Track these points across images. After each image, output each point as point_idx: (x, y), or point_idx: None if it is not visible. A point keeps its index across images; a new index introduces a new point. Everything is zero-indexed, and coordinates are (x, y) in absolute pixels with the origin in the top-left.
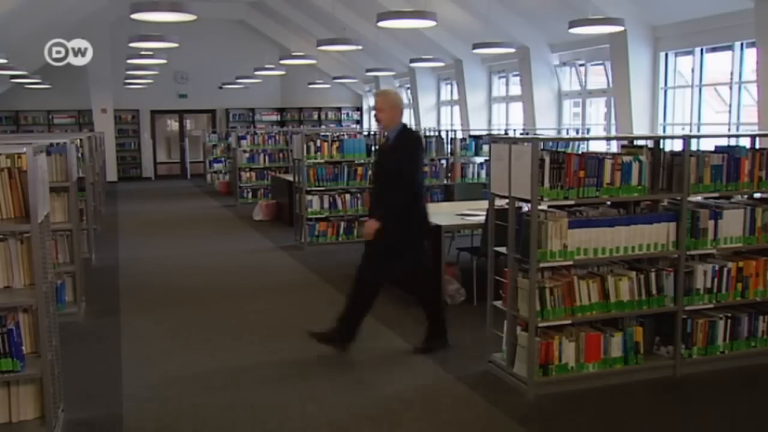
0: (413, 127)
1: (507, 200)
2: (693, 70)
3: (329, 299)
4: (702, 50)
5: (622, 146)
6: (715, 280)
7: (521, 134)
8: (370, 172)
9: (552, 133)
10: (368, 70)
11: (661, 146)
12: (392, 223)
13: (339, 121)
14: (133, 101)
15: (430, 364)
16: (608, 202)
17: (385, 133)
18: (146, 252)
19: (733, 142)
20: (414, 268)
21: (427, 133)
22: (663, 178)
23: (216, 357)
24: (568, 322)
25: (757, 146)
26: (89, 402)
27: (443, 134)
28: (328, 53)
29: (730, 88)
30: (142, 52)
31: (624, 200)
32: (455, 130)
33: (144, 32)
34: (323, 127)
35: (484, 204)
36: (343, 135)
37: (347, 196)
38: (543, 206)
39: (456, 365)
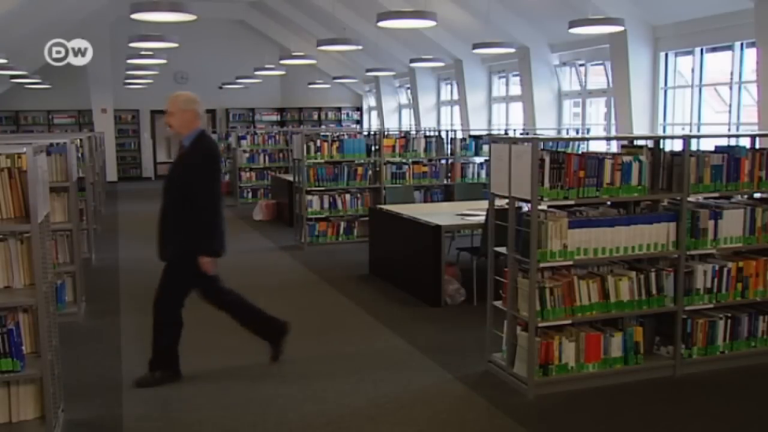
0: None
1: (507, 200)
2: (693, 70)
3: (329, 299)
4: (702, 50)
5: (622, 146)
6: (715, 280)
7: (521, 134)
8: (368, 171)
9: (552, 133)
10: (368, 70)
11: (661, 146)
12: (192, 243)
13: (339, 121)
14: (133, 101)
15: (430, 364)
16: (608, 202)
17: (180, 141)
18: (146, 252)
19: (733, 142)
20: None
21: (428, 133)
22: (663, 178)
23: (216, 357)
24: (568, 322)
25: (757, 146)
26: (89, 402)
27: (443, 134)
28: (328, 53)
29: (730, 88)
30: (142, 52)
31: (624, 200)
32: (455, 130)
33: (144, 32)
34: (323, 127)
35: (484, 204)
36: (343, 135)
37: (347, 196)
38: (543, 206)
39: (456, 365)
